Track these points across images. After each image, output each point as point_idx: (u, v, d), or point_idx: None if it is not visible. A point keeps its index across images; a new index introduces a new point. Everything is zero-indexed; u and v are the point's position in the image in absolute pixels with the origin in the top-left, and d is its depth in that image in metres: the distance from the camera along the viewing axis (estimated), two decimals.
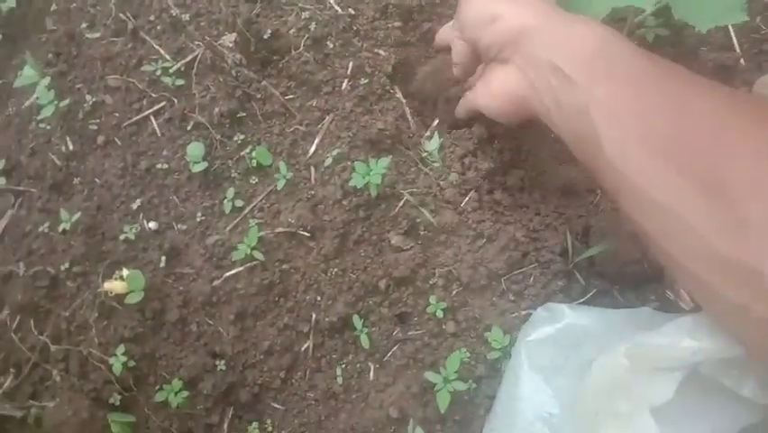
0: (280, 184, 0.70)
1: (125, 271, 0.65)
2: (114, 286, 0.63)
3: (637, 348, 0.46)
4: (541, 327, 0.57)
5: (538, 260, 0.66)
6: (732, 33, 0.76)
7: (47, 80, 0.77)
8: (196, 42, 0.76)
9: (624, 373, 0.46)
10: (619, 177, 0.45)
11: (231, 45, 0.75)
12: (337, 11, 0.77)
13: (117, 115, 0.76)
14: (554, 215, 0.68)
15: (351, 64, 0.74)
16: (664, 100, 0.45)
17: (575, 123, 0.49)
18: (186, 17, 0.78)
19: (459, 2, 0.63)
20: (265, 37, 0.73)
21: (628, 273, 0.65)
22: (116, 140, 0.76)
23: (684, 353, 0.44)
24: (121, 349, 0.63)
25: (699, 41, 0.75)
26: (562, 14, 0.55)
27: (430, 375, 0.61)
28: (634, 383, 0.45)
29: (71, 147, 0.76)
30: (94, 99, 0.77)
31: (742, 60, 0.75)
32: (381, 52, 0.76)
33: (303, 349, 0.67)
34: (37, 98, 0.76)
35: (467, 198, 0.68)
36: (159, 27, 0.79)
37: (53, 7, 0.88)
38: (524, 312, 0.63)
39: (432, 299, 0.65)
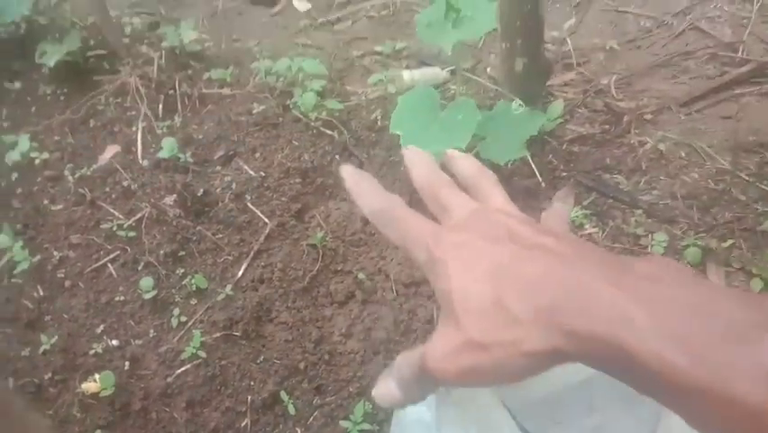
0: (220, 297, 0.91)
1: (97, 376, 0.82)
2: (89, 386, 0.80)
3: None
4: None
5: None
6: (533, 166, 1.09)
7: (20, 243, 0.98)
8: (144, 204, 1.01)
9: None
10: None
11: (171, 203, 1.00)
12: (251, 174, 1.05)
13: (80, 264, 0.97)
14: None
15: (265, 210, 1.01)
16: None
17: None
18: (134, 186, 1.03)
19: None
20: (199, 195, 0.99)
21: None
22: (80, 283, 0.95)
23: None
24: None
25: (511, 173, 1.07)
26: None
27: (343, 423, 0.81)
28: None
29: (42, 293, 0.95)
30: (60, 255, 0.98)
31: (543, 184, 1.07)
32: (287, 201, 1.03)
33: (242, 426, 0.85)
34: (12, 257, 0.96)
35: None
36: (113, 195, 1.03)
37: (18, 190, 1.10)
38: None
39: (341, 372, 0.86)
